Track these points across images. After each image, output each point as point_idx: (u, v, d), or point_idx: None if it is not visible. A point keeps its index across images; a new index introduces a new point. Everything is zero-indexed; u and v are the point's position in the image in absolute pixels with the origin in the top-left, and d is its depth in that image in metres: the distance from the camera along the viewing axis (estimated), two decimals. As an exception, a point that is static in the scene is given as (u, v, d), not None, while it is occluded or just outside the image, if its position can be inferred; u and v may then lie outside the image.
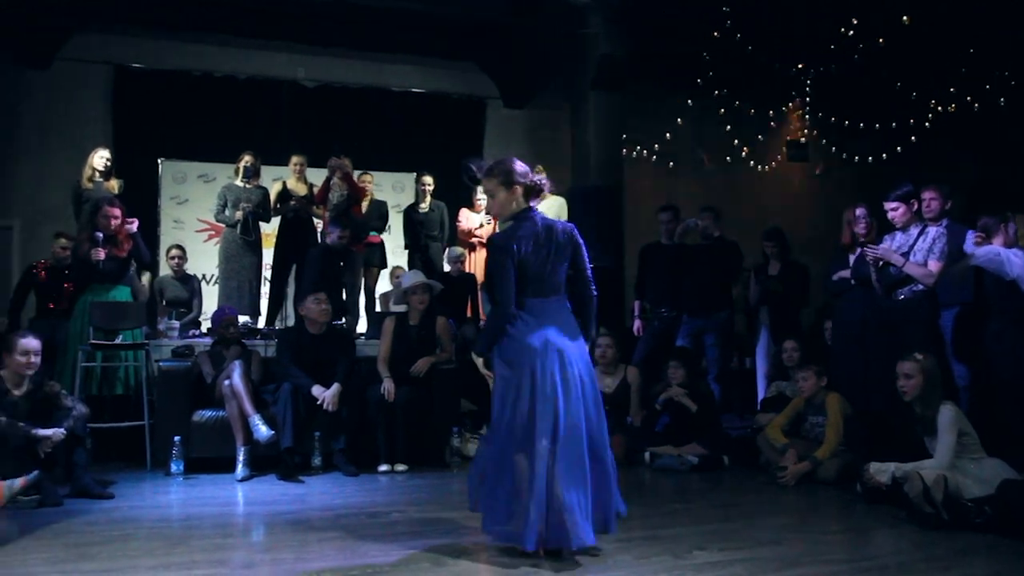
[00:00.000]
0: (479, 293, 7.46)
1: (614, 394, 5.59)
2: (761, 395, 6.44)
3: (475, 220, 8.06)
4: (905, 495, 3.77)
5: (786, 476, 4.57)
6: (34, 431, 4.21)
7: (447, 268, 7.53)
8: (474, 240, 7.89)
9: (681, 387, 5.37)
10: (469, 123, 10.30)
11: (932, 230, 4.77)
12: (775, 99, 10.14)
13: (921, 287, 4.69)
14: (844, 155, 10.43)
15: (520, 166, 3.36)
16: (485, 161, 3.43)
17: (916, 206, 4.83)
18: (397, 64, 10.11)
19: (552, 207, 8.03)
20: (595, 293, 3.48)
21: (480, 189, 8.19)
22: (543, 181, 3.37)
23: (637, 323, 6.67)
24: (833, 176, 10.96)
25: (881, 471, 3.96)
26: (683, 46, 8.82)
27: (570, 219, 7.25)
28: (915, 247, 4.75)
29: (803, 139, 10.89)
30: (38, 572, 3.02)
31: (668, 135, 9.78)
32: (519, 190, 3.31)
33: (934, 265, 4.67)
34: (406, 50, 9.96)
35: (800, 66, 8.88)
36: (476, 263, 7.87)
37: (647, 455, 5.20)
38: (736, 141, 10.21)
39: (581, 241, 3.44)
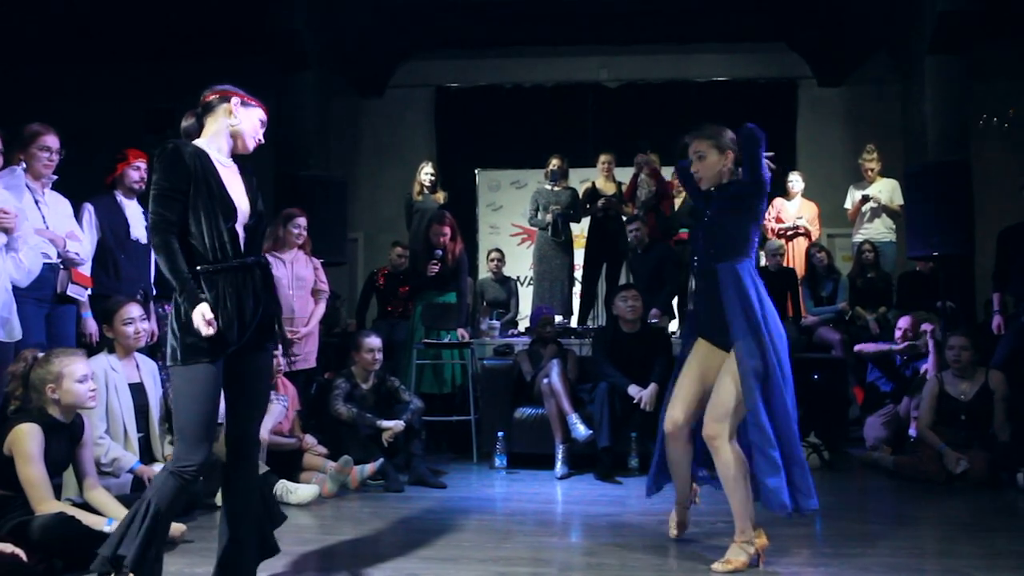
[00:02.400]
0: (799, 289, 6.91)
1: (972, 402, 4.79)
2: None
3: (790, 210, 7.50)
4: None
5: None
6: (379, 422, 4.61)
7: (764, 262, 7.07)
8: (796, 232, 7.37)
9: (1065, 396, 4.45)
10: (779, 107, 9.64)
11: None
12: None
13: None
14: None
15: (731, 133, 3.18)
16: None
17: None
18: (699, 54, 9.77)
19: (884, 190, 7.24)
20: None
21: (794, 176, 7.66)
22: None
23: (998, 319, 5.67)
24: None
25: None
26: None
27: (907, 203, 6.45)
28: None
29: None
30: (386, 554, 3.24)
31: (1027, 98, 8.32)
32: (731, 156, 3.15)
33: None
34: (707, 38, 9.59)
35: None
36: (796, 256, 7.31)
37: (1020, 477, 4.38)
38: (1122, 95, 8.40)
39: None
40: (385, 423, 4.61)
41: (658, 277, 6.37)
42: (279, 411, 4.31)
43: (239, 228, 2.59)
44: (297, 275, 5.28)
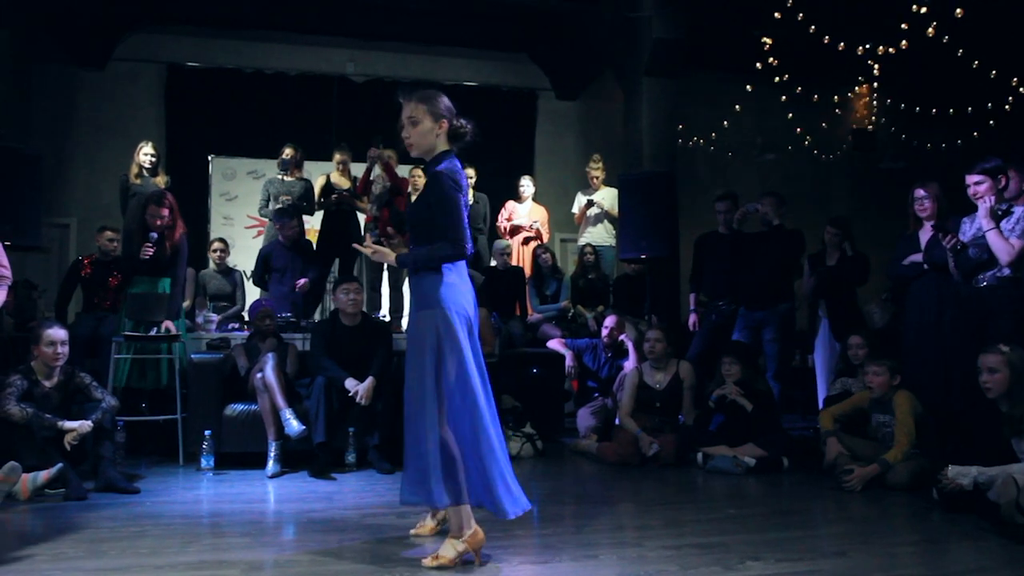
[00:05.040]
0: (526, 287, 7.21)
1: (665, 391, 5.26)
2: (822, 392, 6.01)
3: (521, 213, 7.82)
4: (990, 503, 3.37)
5: (852, 480, 4.18)
6: (60, 423, 4.11)
7: (493, 262, 7.30)
8: (523, 234, 7.69)
9: (737, 384, 5.01)
10: (520, 115, 10.10)
11: (1019, 209, 4.30)
12: (840, 84, 9.63)
13: (1007, 272, 4.22)
14: (915, 143, 9.85)
15: (448, 102, 3.02)
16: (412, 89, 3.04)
17: (1004, 182, 4.34)
18: (448, 57, 9.97)
19: (607, 197, 7.77)
20: None
21: (526, 180, 8.01)
22: (468, 127, 3.02)
23: (693, 317, 6.32)
24: (902, 166, 10.35)
25: (962, 475, 3.55)
26: (741, 29, 8.42)
27: (621, 209, 6.94)
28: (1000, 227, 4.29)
29: (870, 127, 10.33)
30: (41, 569, 2.87)
31: (726, 123, 9.37)
32: (445, 125, 2.98)
33: (1017, 242, 4.20)
34: (457, 43, 9.81)
35: (867, 46, 8.35)
36: (523, 256, 7.63)
37: (699, 456, 4.86)
38: (798, 130, 9.74)
39: None
40: (68, 424, 4.11)
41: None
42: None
43: None
44: None
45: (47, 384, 4.32)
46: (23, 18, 7.23)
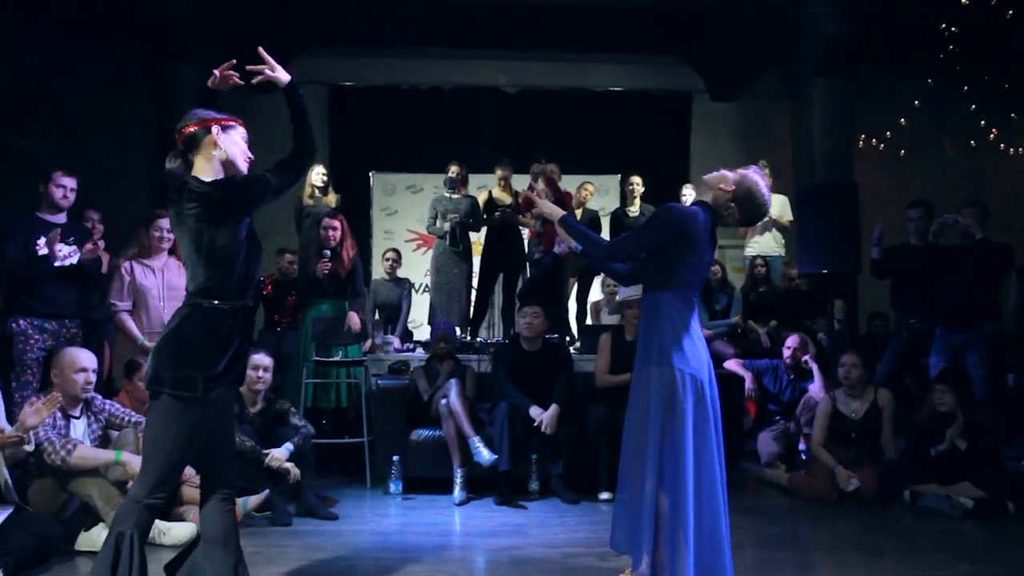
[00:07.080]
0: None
1: (863, 420, 4.91)
2: (1036, 421, 5.46)
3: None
4: None
5: None
6: (268, 456, 4.27)
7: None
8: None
9: (952, 415, 4.59)
10: (674, 120, 9.83)
11: None
12: (1029, 67, 8.77)
13: None
14: (1125, 130, 8.83)
15: (761, 202, 2.94)
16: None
17: None
18: (597, 63, 9.81)
19: (775, 205, 7.38)
20: None
21: (687, 189, 7.72)
22: (731, 215, 2.92)
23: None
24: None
25: None
26: (921, 17, 7.81)
27: (797, 220, 6.59)
28: None
29: (1067, 114, 9.35)
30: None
31: (902, 120, 8.72)
32: (728, 201, 2.91)
33: None
34: (606, 48, 9.63)
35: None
36: (689, 270, 7.36)
37: (907, 494, 4.50)
38: (983, 122, 8.91)
39: None
40: (274, 459, 4.26)
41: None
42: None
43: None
44: (169, 284, 4.97)
45: (252, 410, 4.51)
46: (205, 51, 7.66)
